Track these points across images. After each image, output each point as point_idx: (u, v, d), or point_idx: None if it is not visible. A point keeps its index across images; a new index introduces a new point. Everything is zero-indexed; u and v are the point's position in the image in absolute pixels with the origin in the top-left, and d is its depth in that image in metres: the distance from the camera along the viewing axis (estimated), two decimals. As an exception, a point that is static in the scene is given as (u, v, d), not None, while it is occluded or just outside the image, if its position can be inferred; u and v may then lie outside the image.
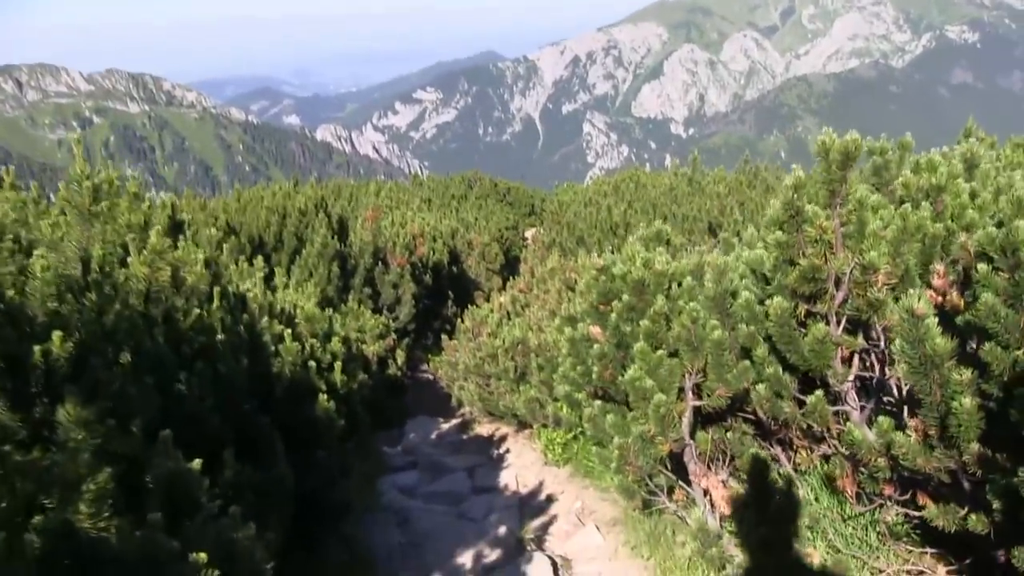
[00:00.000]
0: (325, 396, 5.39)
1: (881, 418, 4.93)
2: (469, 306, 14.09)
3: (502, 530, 7.66)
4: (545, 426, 9.81)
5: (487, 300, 17.76)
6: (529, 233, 30.19)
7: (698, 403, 6.06)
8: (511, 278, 18.94)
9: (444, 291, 19.72)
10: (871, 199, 5.25)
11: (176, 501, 3.01)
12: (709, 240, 18.50)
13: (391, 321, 15.69)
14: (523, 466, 9.92)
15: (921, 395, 4.45)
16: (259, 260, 12.01)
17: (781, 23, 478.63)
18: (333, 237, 15.84)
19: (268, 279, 11.62)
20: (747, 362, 5.74)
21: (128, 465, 3.29)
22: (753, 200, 20.72)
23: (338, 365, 6.70)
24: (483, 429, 11.93)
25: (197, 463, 3.08)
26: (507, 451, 10.72)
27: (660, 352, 5.90)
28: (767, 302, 5.53)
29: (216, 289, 6.51)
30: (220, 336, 4.85)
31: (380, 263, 16.98)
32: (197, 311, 5.07)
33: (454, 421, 13.15)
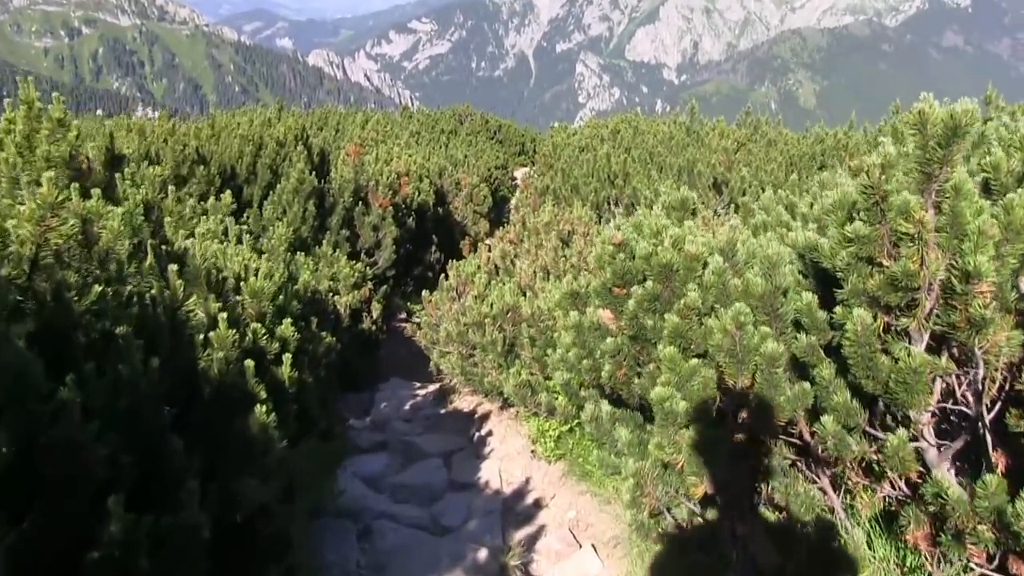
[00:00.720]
0: (263, 407, 4.12)
1: (989, 477, 3.78)
2: (453, 258, 12.89)
3: (482, 554, 6.37)
4: (536, 414, 8.60)
5: (473, 249, 16.63)
6: (519, 173, 29.21)
7: (741, 436, 4.78)
8: (501, 226, 17.75)
9: (428, 234, 18.55)
10: (967, 186, 4.00)
11: None
12: (714, 197, 17.44)
13: (368, 268, 14.45)
14: (508, 455, 8.68)
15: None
16: (226, 196, 10.81)
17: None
18: (311, 172, 14.55)
19: (232, 222, 10.31)
20: (806, 384, 4.51)
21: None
22: (756, 156, 19.52)
23: (287, 358, 5.40)
24: (463, 403, 10.70)
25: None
26: (489, 433, 9.47)
27: (693, 361, 4.65)
28: (837, 310, 4.33)
29: (150, 244, 5.30)
30: (122, 329, 3.57)
31: (361, 203, 15.72)
32: (98, 288, 3.82)
33: (431, 387, 11.96)
